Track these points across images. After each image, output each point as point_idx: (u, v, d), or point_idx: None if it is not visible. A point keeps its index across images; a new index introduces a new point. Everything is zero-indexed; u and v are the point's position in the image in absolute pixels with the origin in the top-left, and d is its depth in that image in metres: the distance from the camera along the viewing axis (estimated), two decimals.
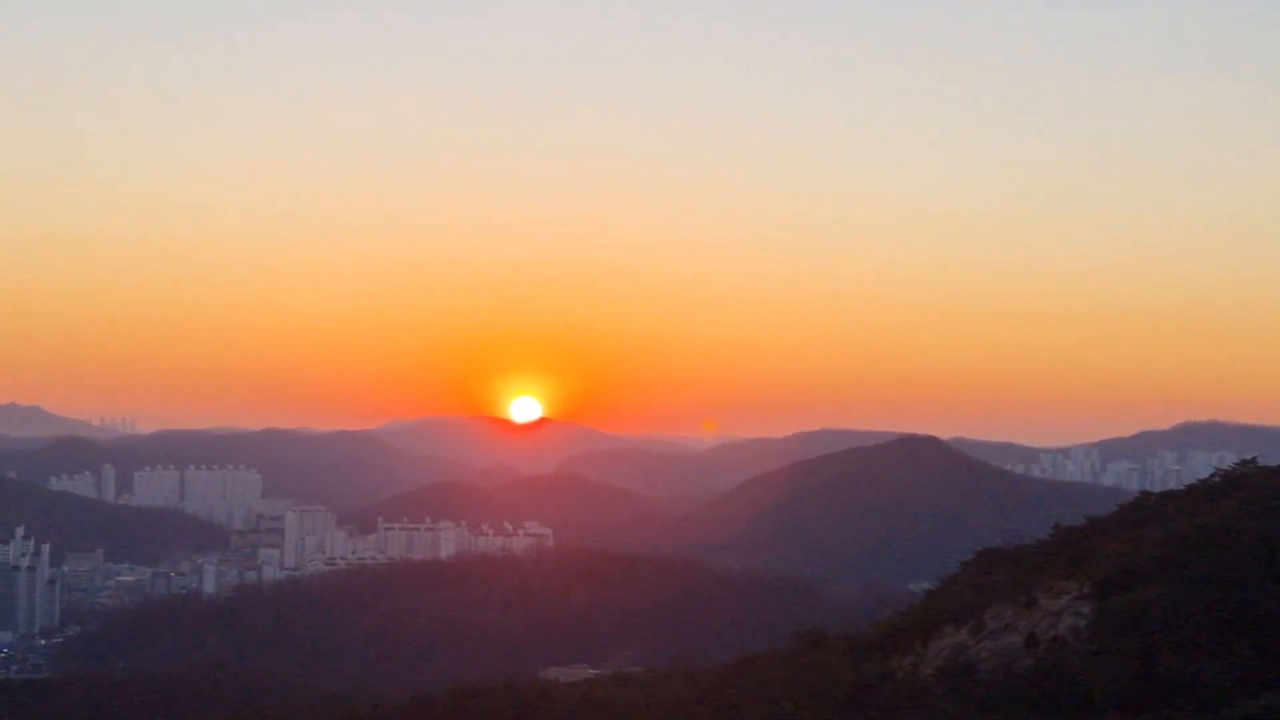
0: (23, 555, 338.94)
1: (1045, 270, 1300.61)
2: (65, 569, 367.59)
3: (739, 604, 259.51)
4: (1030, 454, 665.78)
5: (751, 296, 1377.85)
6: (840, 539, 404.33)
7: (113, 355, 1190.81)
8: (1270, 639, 56.72)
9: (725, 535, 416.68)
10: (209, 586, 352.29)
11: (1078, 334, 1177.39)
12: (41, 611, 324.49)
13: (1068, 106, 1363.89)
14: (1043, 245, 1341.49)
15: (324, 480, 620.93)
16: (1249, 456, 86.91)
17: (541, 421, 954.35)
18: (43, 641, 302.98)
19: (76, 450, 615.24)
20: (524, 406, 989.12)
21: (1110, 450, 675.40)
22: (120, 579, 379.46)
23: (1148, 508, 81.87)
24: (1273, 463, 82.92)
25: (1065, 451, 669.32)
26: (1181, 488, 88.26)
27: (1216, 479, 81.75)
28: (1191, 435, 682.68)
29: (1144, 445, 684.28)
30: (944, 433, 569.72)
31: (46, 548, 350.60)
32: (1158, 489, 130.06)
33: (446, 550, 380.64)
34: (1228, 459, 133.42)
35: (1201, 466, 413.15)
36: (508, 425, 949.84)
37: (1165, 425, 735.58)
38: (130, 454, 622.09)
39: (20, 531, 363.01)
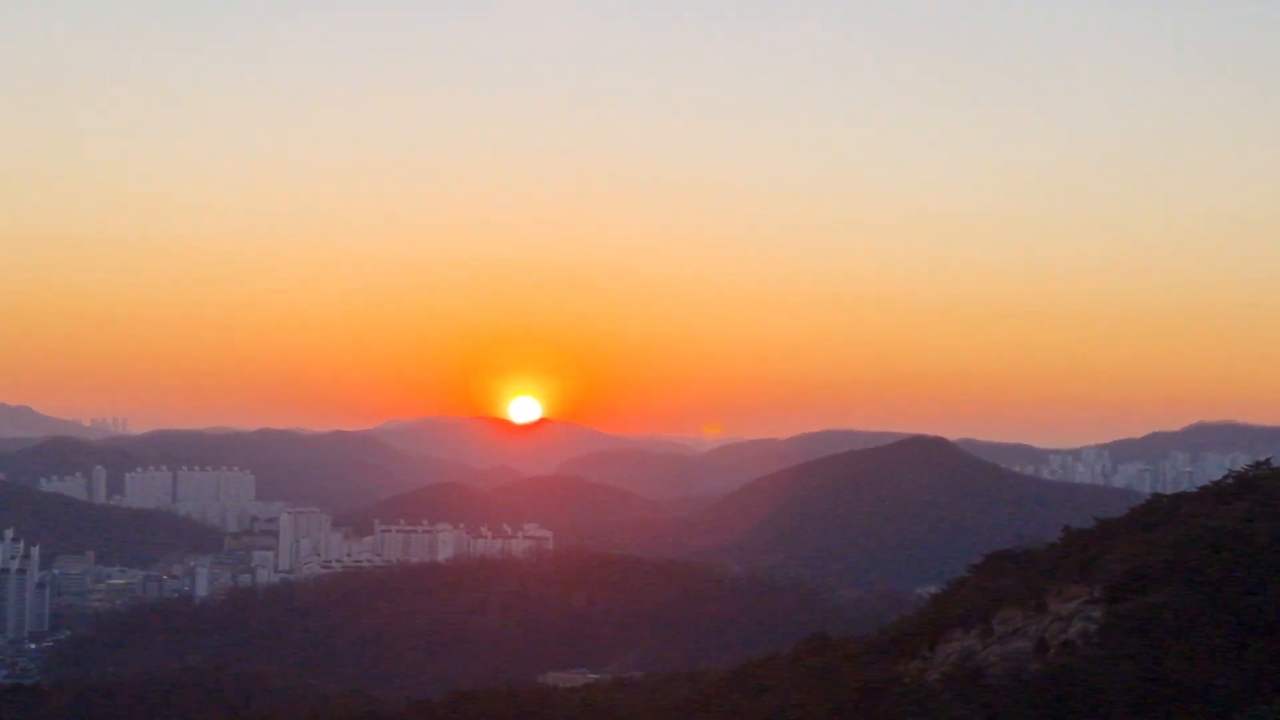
0: (12, 558, 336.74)
1: (1055, 269, 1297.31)
2: (55, 572, 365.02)
3: (742, 607, 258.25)
4: (1040, 455, 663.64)
5: (755, 296, 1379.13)
6: (845, 541, 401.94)
7: (104, 354, 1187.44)
8: None
9: (728, 537, 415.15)
10: (202, 590, 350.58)
11: (1087, 333, 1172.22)
12: (31, 615, 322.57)
13: (1073, 106, 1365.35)
14: (1052, 244, 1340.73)
15: (319, 481, 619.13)
16: (1262, 458, 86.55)
17: (541, 422, 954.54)
18: (32, 645, 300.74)
19: (67, 451, 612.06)
20: (523, 407, 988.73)
21: (1121, 451, 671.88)
22: (111, 582, 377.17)
23: (1159, 510, 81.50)
24: None
25: (1075, 453, 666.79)
26: (1194, 490, 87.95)
27: (1229, 481, 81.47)
28: (1204, 436, 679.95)
29: (1155, 446, 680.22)
30: (951, 434, 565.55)
31: (36, 550, 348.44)
32: (1169, 491, 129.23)
33: (444, 553, 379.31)
34: (1241, 461, 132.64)
35: (1214, 468, 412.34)
36: (507, 426, 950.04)
37: (1177, 426, 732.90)
38: (122, 454, 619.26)
39: (9, 534, 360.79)
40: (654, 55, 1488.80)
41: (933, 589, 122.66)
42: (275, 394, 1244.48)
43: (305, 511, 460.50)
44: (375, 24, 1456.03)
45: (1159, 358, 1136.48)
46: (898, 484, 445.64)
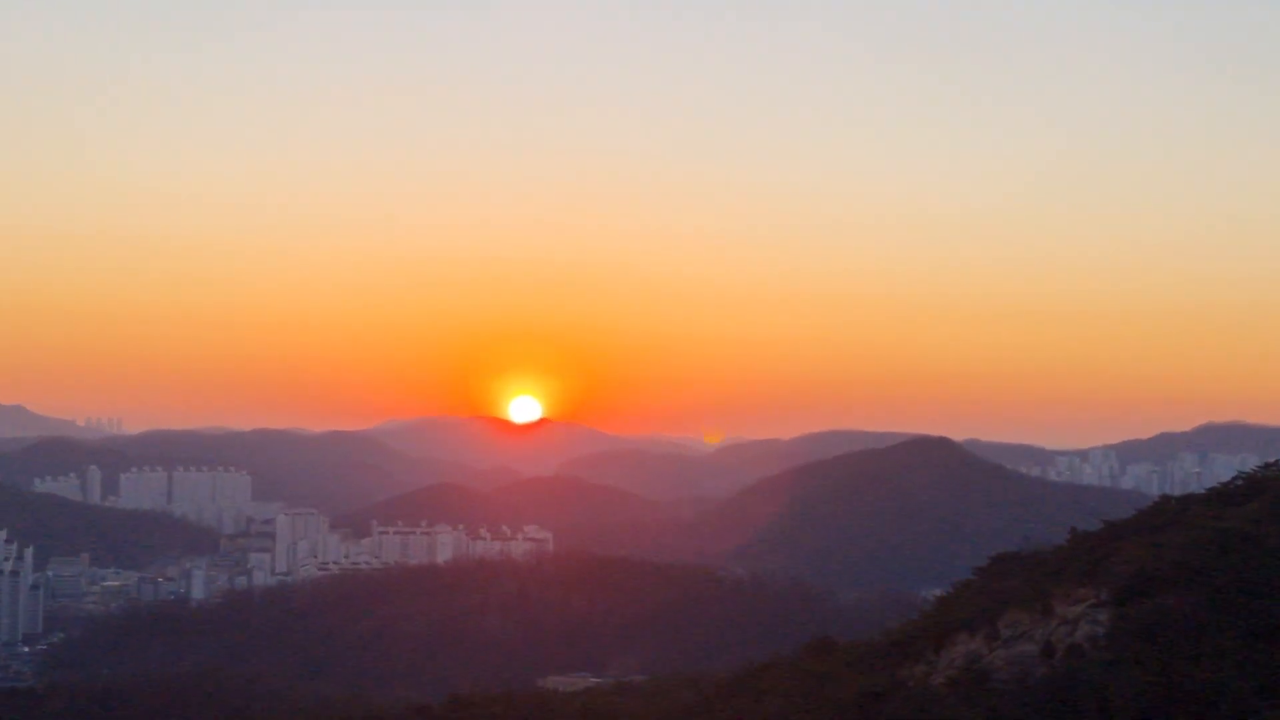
0: (5, 559, 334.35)
1: (1061, 268, 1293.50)
2: (49, 574, 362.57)
3: (745, 610, 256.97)
4: (1046, 456, 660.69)
5: (757, 296, 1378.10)
6: (849, 543, 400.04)
7: (99, 353, 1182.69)
8: None
9: (730, 539, 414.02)
10: (198, 592, 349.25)
11: (1095, 333, 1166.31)
12: (24, 618, 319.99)
13: (1073, 106, 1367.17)
14: (1058, 243, 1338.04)
15: (317, 482, 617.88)
16: (1272, 459, 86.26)
17: (541, 422, 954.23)
18: (25, 649, 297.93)
19: (61, 451, 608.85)
20: (523, 407, 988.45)
21: (1129, 452, 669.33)
22: (106, 584, 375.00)
23: (1168, 512, 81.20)
24: None
25: (1082, 454, 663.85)
26: (1203, 491, 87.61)
27: (1239, 482, 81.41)
28: (1213, 437, 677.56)
29: (1164, 447, 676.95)
30: (956, 434, 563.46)
31: (30, 551, 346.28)
32: (1178, 492, 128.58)
33: (443, 554, 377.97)
34: (1250, 462, 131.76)
35: (1223, 469, 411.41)
36: (507, 426, 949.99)
37: (1186, 427, 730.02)
38: (116, 455, 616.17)
39: (2, 535, 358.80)
40: (654, 55, 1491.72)
41: (937, 592, 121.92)
42: (272, 393, 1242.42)
43: (302, 513, 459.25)
44: (375, 23, 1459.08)
45: (1167, 357, 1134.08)
46: (901, 485, 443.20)
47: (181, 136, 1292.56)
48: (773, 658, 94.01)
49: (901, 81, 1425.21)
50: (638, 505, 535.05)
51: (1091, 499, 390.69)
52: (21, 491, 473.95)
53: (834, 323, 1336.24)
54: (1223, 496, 79.22)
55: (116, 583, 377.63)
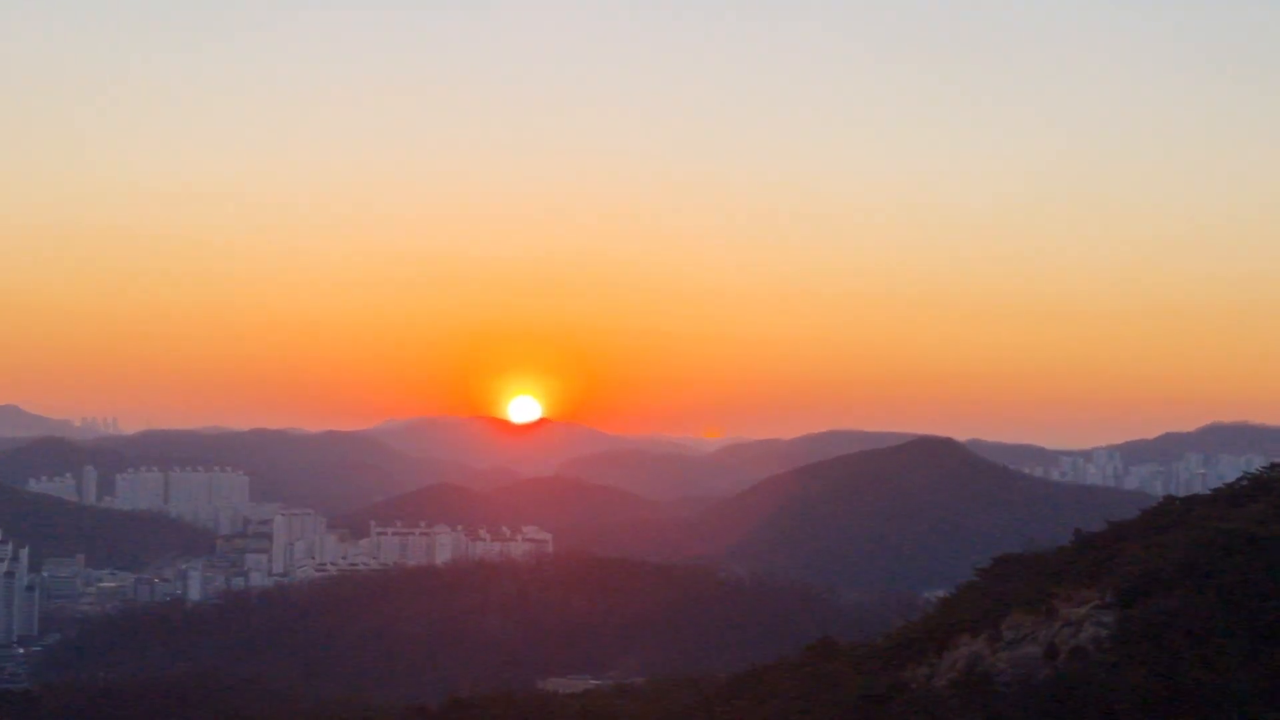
0: (0, 560, 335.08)
1: (1065, 267, 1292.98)
2: (45, 574, 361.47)
3: (746, 611, 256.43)
4: (1050, 456, 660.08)
5: (758, 295, 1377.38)
6: (851, 544, 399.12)
7: (95, 352, 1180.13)
8: None
9: (731, 539, 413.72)
10: (194, 593, 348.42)
11: (1099, 332, 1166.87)
12: (20, 619, 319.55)
13: (1071, 100, 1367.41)
14: (1062, 241, 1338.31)
15: (315, 482, 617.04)
16: (1278, 460, 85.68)
17: (541, 422, 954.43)
18: (21, 650, 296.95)
19: (56, 451, 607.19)
20: (523, 407, 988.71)
21: (1133, 453, 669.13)
22: (102, 585, 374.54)
23: (1172, 513, 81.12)
24: None
25: (1086, 454, 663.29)
26: (1207, 492, 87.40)
27: (1244, 483, 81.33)
28: (1218, 437, 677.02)
29: (1168, 448, 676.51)
30: (959, 434, 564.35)
31: (25, 552, 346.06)
32: (1182, 493, 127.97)
33: (442, 555, 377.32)
34: (1255, 462, 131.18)
35: (1228, 470, 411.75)
36: (506, 426, 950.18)
37: (1190, 427, 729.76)
38: (113, 455, 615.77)
39: None
40: (654, 55, 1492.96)
41: (939, 593, 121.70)
42: (270, 393, 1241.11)
43: (300, 513, 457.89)
44: (375, 23, 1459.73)
45: (1172, 357, 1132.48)
46: (903, 485, 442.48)
47: (180, 136, 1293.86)
48: (775, 660, 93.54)
49: (901, 81, 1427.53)
50: (638, 505, 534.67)
51: (1095, 500, 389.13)
52: (17, 492, 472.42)
53: (834, 322, 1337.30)
54: (1228, 497, 79.12)
55: (113, 584, 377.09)
